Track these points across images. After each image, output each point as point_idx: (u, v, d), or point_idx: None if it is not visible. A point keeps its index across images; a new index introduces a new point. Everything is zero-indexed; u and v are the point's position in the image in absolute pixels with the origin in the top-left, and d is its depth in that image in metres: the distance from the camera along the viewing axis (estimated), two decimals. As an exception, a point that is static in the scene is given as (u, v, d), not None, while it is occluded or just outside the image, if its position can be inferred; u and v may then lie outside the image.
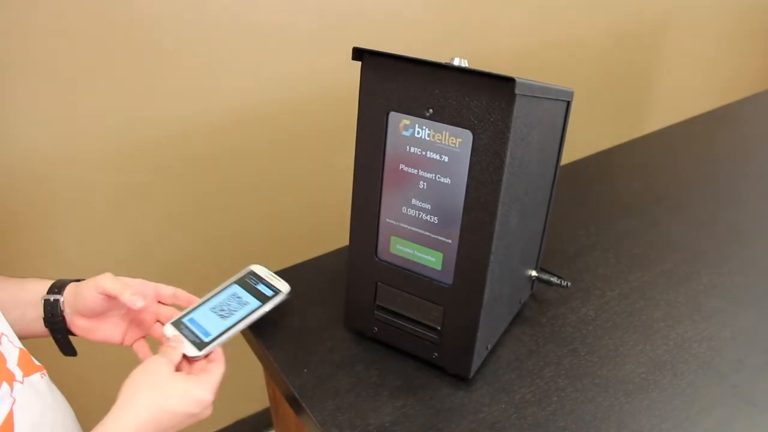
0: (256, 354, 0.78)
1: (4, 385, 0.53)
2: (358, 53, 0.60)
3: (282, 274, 0.85)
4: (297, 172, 1.31)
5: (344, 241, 0.77)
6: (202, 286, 1.26)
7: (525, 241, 0.70)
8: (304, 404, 0.66)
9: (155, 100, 1.07)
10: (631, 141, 1.24)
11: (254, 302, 0.68)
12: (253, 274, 0.72)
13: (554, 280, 0.76)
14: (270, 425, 1.54)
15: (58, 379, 0.65)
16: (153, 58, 1.03)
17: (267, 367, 0.75)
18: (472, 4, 1.40)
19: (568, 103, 0.68)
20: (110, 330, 0.67)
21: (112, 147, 1.06)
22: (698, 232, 0.95)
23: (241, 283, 0.71)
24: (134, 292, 0.63)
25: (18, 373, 0.56)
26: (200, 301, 0.68)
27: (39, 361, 0.61)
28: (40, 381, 0.59)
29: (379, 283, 0.69)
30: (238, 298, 0.69)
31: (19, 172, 0.99)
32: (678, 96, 2.11)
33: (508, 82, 0.53)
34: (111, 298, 0.63)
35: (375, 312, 0.70)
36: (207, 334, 0.64)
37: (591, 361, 0.71)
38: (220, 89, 1.13)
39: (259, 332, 0.75)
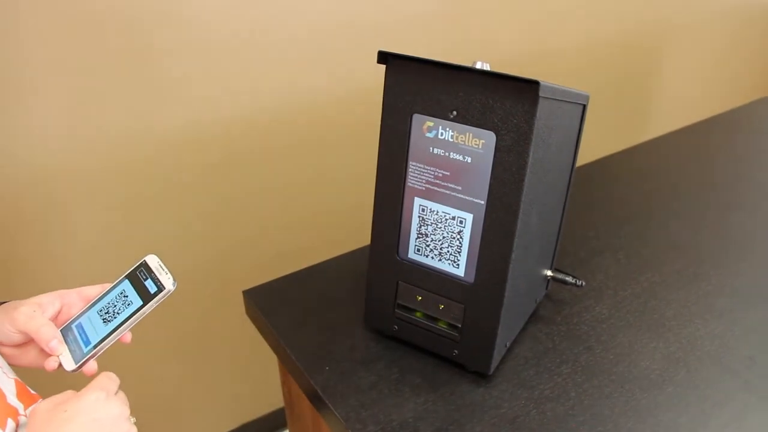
0: (276, 353, 0.79)
1: (9, 421, 0.51)
2: (383, 57, 0.61)
3: (302, 273, 0.86)
4: (317, 171, 1.32)
5: (364, 240, 0.78)
6: (211, 291, 1.28)
7: (542, 241, 0.71)
8: (327, 401, 0.67)
9: (164, 107, 1.08)
10: (640, 145, 1.26)
11: (137, 302, 0.61)
12: (145, 266, 0.64)
13: (569, 279, 0.78)
14: (278, 428, 1.55)
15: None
16: (162, 65, 1.04)
17: (288, 366, 0.77)
18: (477, 12, 1.42)
19: (584, 107, 0.70)
20: (36, 356, 0.62)
21: (118, 154, 1.07)
22: (707, 233, 0.97)
23: (132, 277, 0.63)
24: (52, 316, 0.60)
25: (20, 407, 0.55)
26: (93, 300, 0.63)
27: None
28: None
29: (400, 282, 0.70)
30: (125, 297, 0.62)
31: (22, 181, 1.00)
32: (682, 102, 2.13)
33: (532, 84, 0.54)
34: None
35: (396, 310, 0.72)
36: (87, 342, 0.59)
37: (606, 358, 0.73)
38: (238, 93, 1.14)
39: (280, 331, 0.76)
